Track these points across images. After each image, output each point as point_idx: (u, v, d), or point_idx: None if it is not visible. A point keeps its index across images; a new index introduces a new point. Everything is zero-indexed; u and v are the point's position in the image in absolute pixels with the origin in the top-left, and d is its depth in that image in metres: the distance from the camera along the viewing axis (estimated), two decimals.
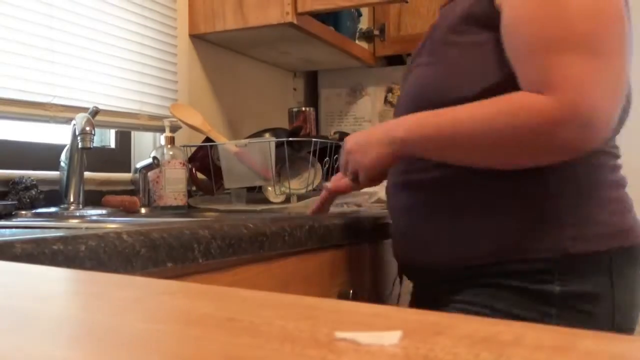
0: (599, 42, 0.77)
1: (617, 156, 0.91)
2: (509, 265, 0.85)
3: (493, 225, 0.87)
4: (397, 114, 0.96)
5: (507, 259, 0.85)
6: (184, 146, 1.53)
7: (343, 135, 1.64)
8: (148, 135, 1.68)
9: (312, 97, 2.35)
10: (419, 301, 1.01)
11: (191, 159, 1.54)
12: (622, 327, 0.85)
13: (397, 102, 1.07)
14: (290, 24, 1.64)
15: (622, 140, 0.92)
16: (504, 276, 0.86)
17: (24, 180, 1.20)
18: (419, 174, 0.92)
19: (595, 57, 0.77)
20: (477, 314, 0.85)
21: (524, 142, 0.79)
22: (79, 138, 1.17)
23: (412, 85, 0.95)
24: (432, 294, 0.94)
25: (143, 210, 1.39)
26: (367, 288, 1.05)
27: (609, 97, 0.77)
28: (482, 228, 0.87)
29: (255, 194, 1.52)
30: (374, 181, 0.97)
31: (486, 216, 0.87)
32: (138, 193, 1.44)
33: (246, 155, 1.43)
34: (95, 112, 1.28)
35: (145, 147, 1.68)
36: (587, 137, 0.77)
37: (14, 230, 0.80)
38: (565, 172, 0.84)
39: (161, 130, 1.57)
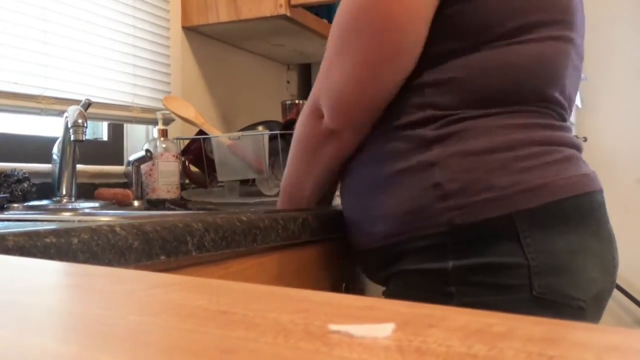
0: (341, 41, 0.87)
1: (544, 114, 0.84)
2: (403, 246, 0.82)
3: (384, 205, 0.84)
4: None
5: (400, 239, 0.82)
6: (177, 139, 1.52)
7: None
8: (141, 128, 1.67)
9: (306, 90, 2.35)
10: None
11: (184, 152, 1.53)
12: (545, 294, 0.75)
13: None
14: (284, 17, 1.64)
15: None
16: (402, 259, 0.83)
17: (16, 173, 1.20)
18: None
19: (336, 54, 0.87)
20: None
21: (302, 144, 0.95)
22: (71, 130, 1.16)
23: None
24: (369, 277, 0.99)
25: (136, 203, 1.39)
26: (360, 281, 1.06)
27: (333, 88, 0.87)
28: (375, 210, 0.86)
29: (248, 187, 1.52)
30: None
31: (376, 197, 0.86)
32: (131, 186, 1.44)
33: (239, 148, 1.43)
34: (88, 104, 1.27)
35: (138, 140, 1.67)
36: (329, 122, 0.89)
37: (6, 223, 0.80)
38: (451, 139, 0.80)
39: (154, 122, 1.57)
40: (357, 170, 0.92)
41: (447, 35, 0.82)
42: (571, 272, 0.77)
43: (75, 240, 0.56)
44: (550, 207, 0.76)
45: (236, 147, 1.43)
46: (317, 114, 0.90)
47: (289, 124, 1.55)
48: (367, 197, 0.88)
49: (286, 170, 1.01)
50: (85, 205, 1.22)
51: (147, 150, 1.41)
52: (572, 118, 2.60)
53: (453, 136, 0.80)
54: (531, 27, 0.82)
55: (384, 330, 0.22)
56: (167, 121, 1.55)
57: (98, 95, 1.44)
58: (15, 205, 1.13)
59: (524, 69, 0.82)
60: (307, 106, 0.93)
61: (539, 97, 0.83)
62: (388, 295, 0.89)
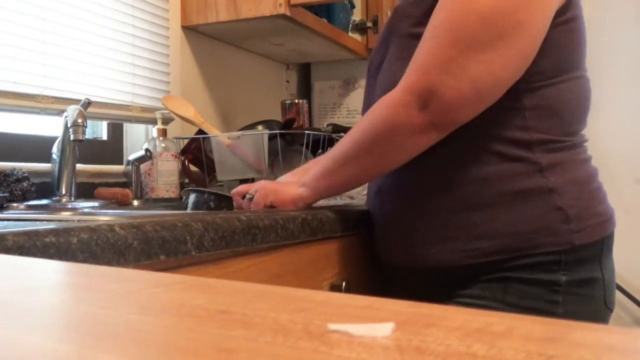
0: (467, 35, 0.81)
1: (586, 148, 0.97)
2: (518, 260, 0.87)
3: (497, 223, 0.88)
4: (365, 111, 1.00)
5: (517, 254, 0.87)
6: (176, 138, 1.52)
7: (336, 127, 1.64)
8: (140, 127, 1.67)
9: (305, 89, 2.35)
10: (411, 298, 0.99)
11: (184, 151, 1.53)
12: (609, 304, 0.93)
13: (366, 98, 1.06)
14: (283, 16, 1.64)
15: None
16: (512, 269, 0.88)
17: (15, 173, 1.20)
18: (412, 176, 0.92)
19: (453, 47, 0.81)
20: (486, 307, 0.88)
21: (383, 133, 0.87)
22: (70, 130, 1.16)
23: (385, 82, 0.95)
24: (429, 291, 0.94)
25: (135, 203, 1.39)
26: (360, 280, 1.06)
27: (457, 82, 0.81)
28: (491, 226, 0.88)
29: None
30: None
31: (485, 215, 0.88)
32: (130, 185, 1.44)
33: (239, 147, 1.43)
34: (87, 103, 1.27)
35: (138, 139, 1.67)
36: (435, 116, 0.83)
37: (5, 222, 0.80)
38: (559, 167, 0.89)
39: (153, 122, 1.57)
40: (456, 188, 0.89)
41: (545, 57, 0.87)
42: (613, 285, 0.95)
43: (75, 240, 0.56)
44: (612, 234, 0.93)
45: (236, 146, 1.43)
46: (419, 104, 0.83)
47: (289, 124, 1.56)
48: (469, 215, 0.89)
49: (342, 152, 0.93)
50: (85, 204, 1.22)
51: (147, 150, 1.41)
52: None
53: (560, 165, 0.89)
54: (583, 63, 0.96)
55: (383, 330, 0.22)
56: (167, 120, 1.55)
57: (97, 94, 1.43)
58: (15, 204, 1.13)
59: (585, 102, 0.96)
60: (402, 94, 0.85)
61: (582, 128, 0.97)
62: (475, 297, 0.89)
